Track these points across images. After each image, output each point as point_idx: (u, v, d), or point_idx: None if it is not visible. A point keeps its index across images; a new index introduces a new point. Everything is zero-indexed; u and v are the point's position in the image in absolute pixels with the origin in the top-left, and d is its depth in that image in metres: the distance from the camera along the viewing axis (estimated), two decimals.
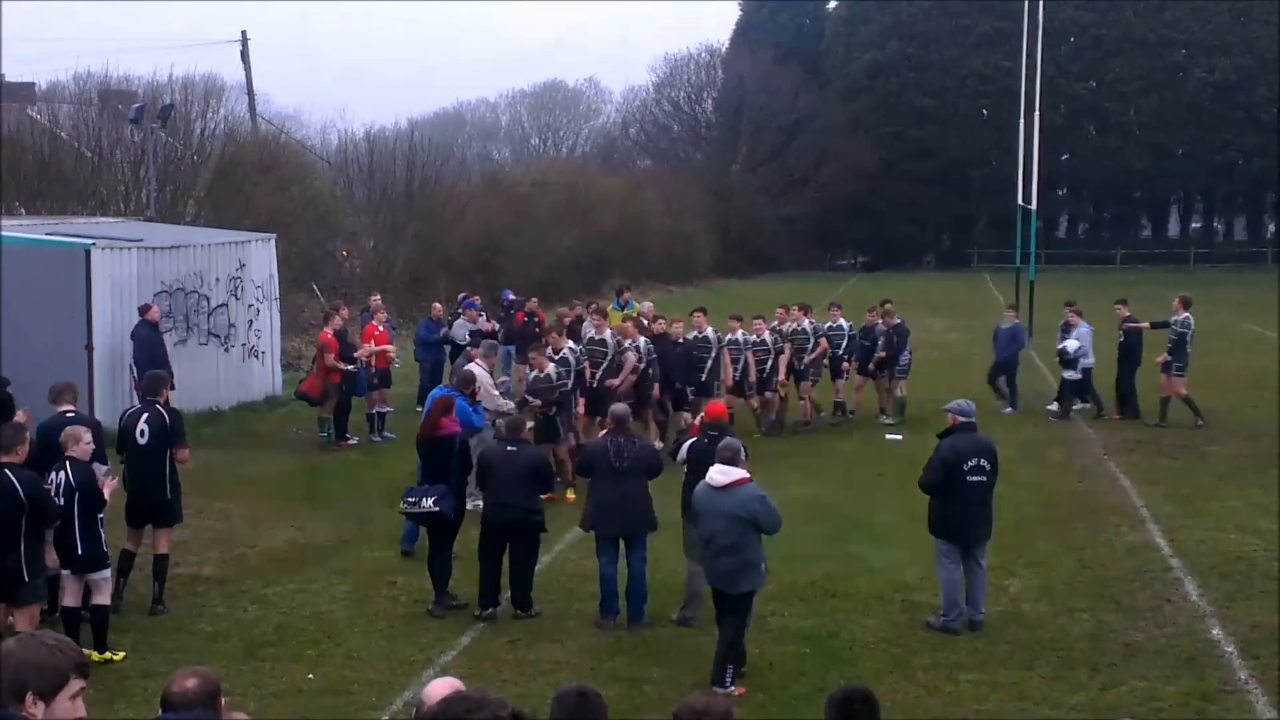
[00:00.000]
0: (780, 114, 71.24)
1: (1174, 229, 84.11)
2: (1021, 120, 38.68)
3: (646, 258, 53.57)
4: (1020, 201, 38.71)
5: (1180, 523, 15.40)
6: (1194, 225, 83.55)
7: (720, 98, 76.66)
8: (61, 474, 10.62)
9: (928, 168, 74.32)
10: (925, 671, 10.65)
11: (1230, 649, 11.13)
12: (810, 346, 20.89)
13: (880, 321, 22.24)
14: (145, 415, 12.15)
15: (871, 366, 22.12)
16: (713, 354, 19.38)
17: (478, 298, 25.32)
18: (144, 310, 19.55)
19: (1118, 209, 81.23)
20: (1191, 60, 74.24)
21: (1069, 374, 22.50)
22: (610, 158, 72.92)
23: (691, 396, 18.96)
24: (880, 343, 22.00)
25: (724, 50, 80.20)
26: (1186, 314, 22.03)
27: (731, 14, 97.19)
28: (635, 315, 20.98)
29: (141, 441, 12.01)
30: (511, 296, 25.23)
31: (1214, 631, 11.59)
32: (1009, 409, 22.74)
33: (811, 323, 21.23)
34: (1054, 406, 22.77)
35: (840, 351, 21.48)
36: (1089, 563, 13.80)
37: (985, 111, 74.22)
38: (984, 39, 73.29)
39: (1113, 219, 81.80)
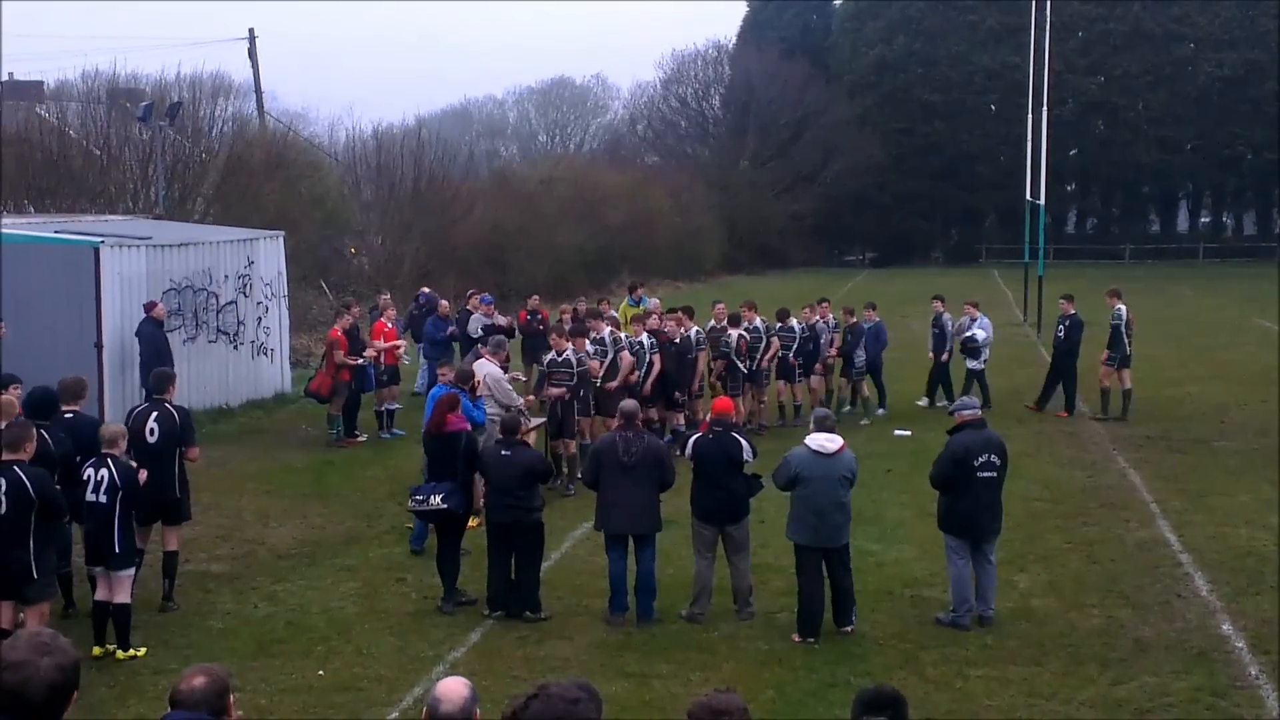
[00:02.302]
0: (787, 110, 71.18)
1: (1183, 224, 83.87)
2: (1029, 115, 38.65)
3: (654, 254, 53.57)
4: (1028, 196, 38.70)
5: (1190, 518, 15.38)
6: (1203, 220, 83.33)
7: (727, 94, 76.60)
8: (104, 471, 10.65)
9: (935, 163, 74.25)
10: (935, 667, 10.65)
11: (1240, 644, 11.11)
12: (763, 346, 20.45)
13: (825, 318, 21.76)
14: (154, 414, 12.16)
15: (819, 367, 21.54)
16: (693, 354, 19.26)
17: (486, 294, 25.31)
18: (149, 308, 19.45)
19: (1126, 204, 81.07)
20: (1200, 55, 73.98)
21: (972, 364, 22.40)
22: (618, 154, 72.79)
23: (683, 397, 18.97)
24: (830, 340, 21.56)
25: (731, 46, 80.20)
26: (1120, 306, 22.10)
27: (739, 10, 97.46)
28: (643, 312, 20.96)
29: (151, 440, 12.01)
30: (427, 292, 25.05)
31: (1224, 627, 11.57)
32: (881, 410, 22.25)
33: (763, 321, 20.80)
34: (923, 401, 22.74)
35: (790, 354, 21.03)
36: (1098, 558, 13.78)
37: (993, 107, 74.04)
38: (991, 34, 73.15)
39: (1121, 214, 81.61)
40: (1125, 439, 20.25)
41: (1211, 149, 74.08)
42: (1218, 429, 21.08)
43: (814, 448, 11.32)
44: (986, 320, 22.86)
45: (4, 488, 9.77)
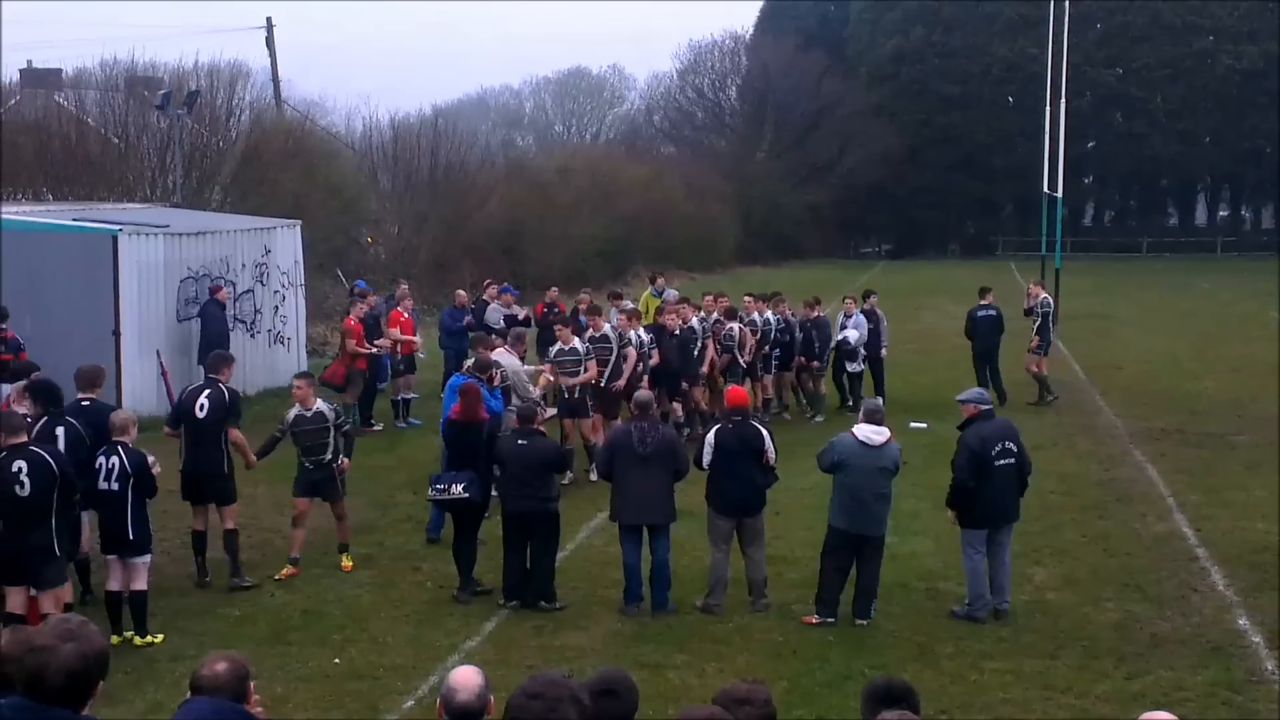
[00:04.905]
0: (804, 101, 71.03)
1: (1201, 217, 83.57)
2: (1047, 107, 38.54)
3: (670, 245, 53.44)
4: (1046, 189, 38.60)
5: (1207, 512, 15.34)
6: (1221, 213, 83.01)
7: (744, 84, 76.46)
8: (114, 458, 10.73)
9: (952, 155, 74.02)
10: (950, 660, 10.64)
11: (1257, 639, 11.09)
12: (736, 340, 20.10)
13: (792, 314, 21.31)
14: (206, 391, 12.53)
15: (798, 362, 21.21)
16: (698, 343, 19.11)
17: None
18: (214, 290, 20.74)
19: (1144, 197, 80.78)
20: (1219, 47, 73.63)
21: (852, 366, 21.67)
22: (634, 145, 72.69)
23: (685, 387, 18.73)
24: (800, 338, 21.09)
25: (748, 37, 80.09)
26: (1045, 295, 22.74)
27: (756, 1, 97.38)
28: (658, 304, 20.90)
29: (200, 416, 12.35)
30: (364, 286, 24.62)
31: (1241, 621, 11.54)
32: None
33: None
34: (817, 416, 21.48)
35: (768, 347, 20.67)
36: (1115, 552, 13.76)
37: (1010, 98, 73.84)
38: (1009, 25, 72.87)
39: (1139, 207, 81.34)
40: (1142, 432, 20.20)
41: (1230, 142, 73.77)
42: (1235, 423, 21.00)
43: (861, 438, 11.37)
44: (861, 319, 21.76)
45: (25, 469, 9.83)
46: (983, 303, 22.61)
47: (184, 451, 12.53)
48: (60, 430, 10.91)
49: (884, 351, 22.38)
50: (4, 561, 9.99)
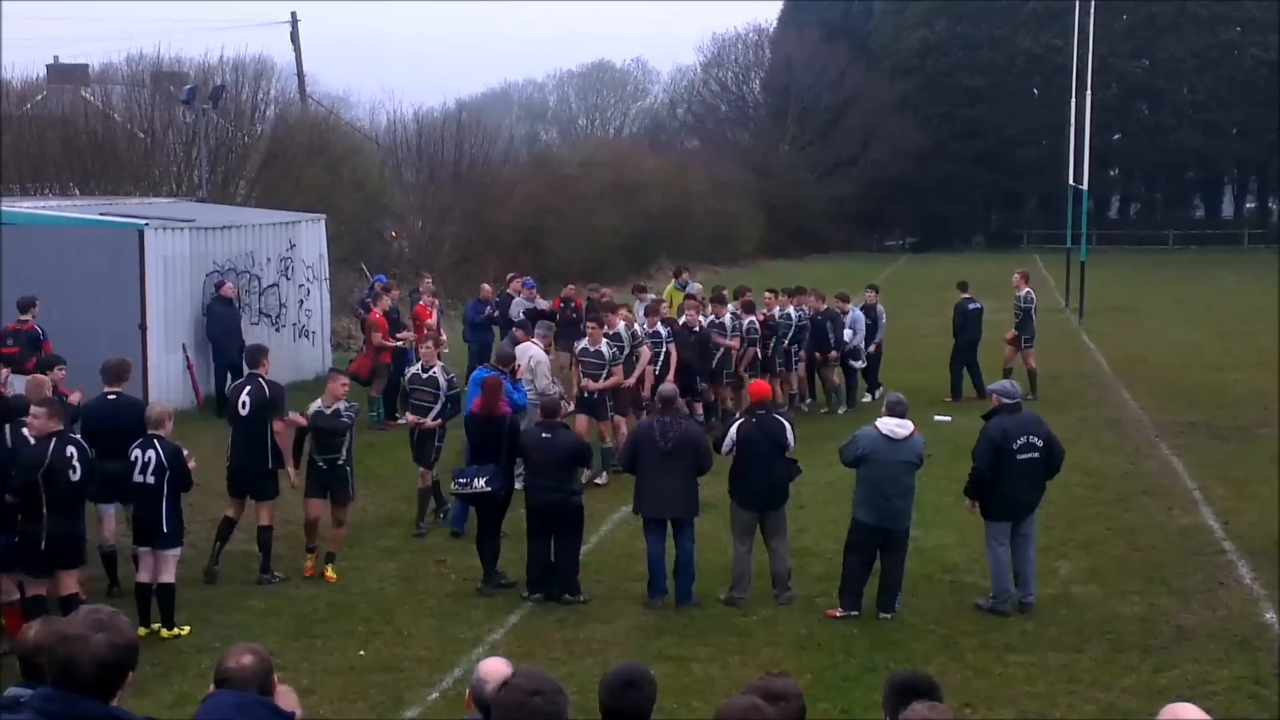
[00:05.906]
0: (828, 94, 70.84)
1: (1227, 209, 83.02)
2: (1073, 99, 38.38)
3: (693, 238, 53.43)
4: (1071, 181, 38.44)
5: (1233, 505, 15.26)
6: (1248, 205, 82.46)
7: (768, 77, 76.27)
8: (150, 452, 10.82)
9: (977, 147, 73.70)
10: (974, 653, 10.63)
11: None
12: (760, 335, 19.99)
13: (805, 308, 21.12)
14: (248, 388, 12.53)
15: (817, 355, 21.18)
16: (714, 341, 18.89)
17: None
18: (218, 286, 20.54)
19: (1170, 189, 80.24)
20: (1246, 39, 73.15)
21: (856, 364, 21.64)
22: (657, 138, 72.63)
23: (702, 385, 18.52)
24: (807, 330, 20.96)
25: (772, 30, 79.85)
26: (1027, 289, 22.53)
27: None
28: (683, 298, 20.83)
29: (243, 413, 12.40)
30: (384, 280, 24.43)
31: (1268, 615, 11.49)
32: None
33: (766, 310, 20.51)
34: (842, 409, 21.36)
35: (787, 342, 20.47)
36: (1140, 545, 13.71)
37: (1035, 90, 73.53)
38: (1034, 17, 72.54)
39: (1165, 199, 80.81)
40: (1168, 426, 20.10)
41: (1257, 134, 73.26)
42: (1261, 416, 20.87)
43: (884, 431, 11.35)
44: (859, 315, 21.71)
45: (76, 455, 10.00)
46: (966, 295, 22.47)
47: (230, 447, 12.66)
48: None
49: (872, 347, 22.16)
50: (49, 548, 10.08)
